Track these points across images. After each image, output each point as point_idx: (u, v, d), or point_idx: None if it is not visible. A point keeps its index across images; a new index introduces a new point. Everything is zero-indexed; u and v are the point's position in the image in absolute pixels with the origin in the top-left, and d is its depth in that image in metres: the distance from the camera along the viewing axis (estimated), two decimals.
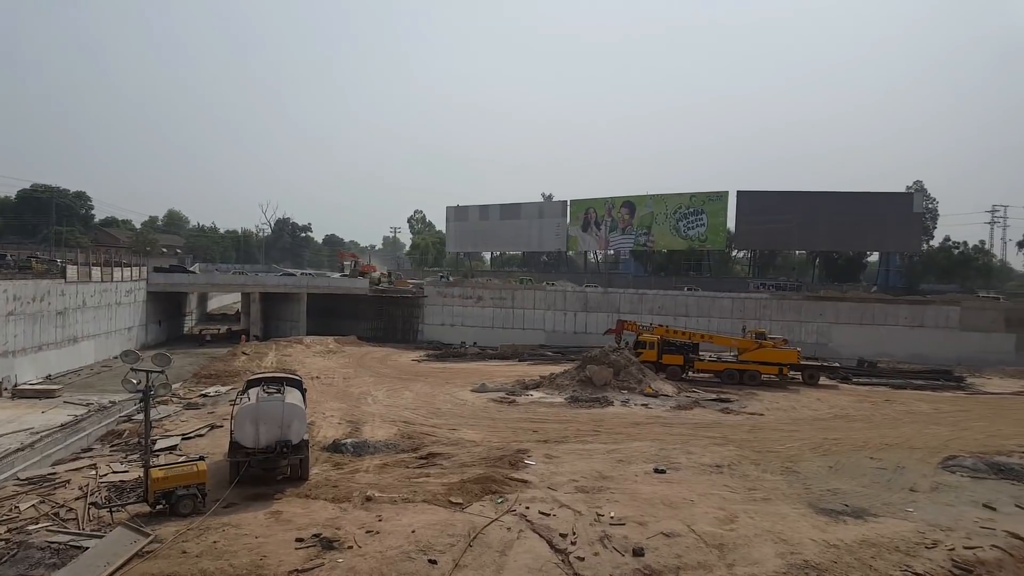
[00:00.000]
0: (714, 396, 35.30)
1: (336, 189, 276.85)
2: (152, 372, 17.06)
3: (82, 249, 56.09)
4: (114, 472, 19.89)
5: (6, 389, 30.86)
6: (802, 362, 41.29)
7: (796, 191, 72.89)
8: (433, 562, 13.65)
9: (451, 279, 71.11)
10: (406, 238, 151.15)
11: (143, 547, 14.14)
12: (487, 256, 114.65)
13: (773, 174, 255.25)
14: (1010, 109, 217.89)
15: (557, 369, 39.82)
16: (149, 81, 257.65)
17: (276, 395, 18.94)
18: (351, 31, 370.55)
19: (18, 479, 19.28)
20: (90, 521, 16.13)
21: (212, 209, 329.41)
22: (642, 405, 32.65)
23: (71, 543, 14.55)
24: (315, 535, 14.85)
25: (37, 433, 23.05)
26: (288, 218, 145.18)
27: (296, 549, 14.24)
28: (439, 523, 15.69)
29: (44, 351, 36.36)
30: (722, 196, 75.26)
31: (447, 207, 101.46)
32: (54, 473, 19.85)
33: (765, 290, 61.33)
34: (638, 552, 14.31)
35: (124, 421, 26.71)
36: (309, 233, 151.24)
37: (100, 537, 14.71)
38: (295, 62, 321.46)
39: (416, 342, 59.20)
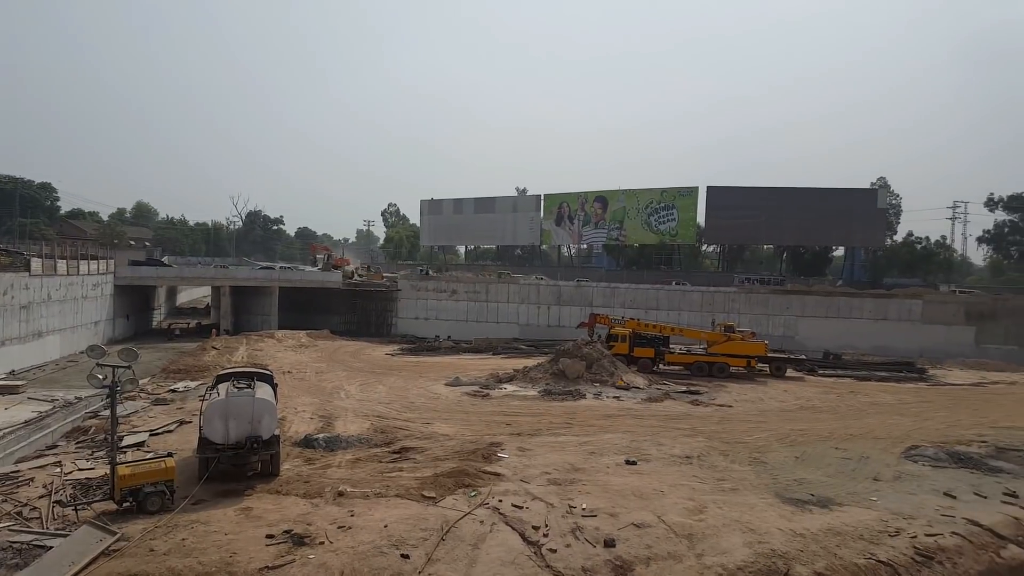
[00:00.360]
0: (684, 388, 35.75)
1: (309, 181, 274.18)
2: (118, 367, 16.79)
3: (47, 242, 54.75)
4: (80, 469, 19.55)
5: None
6: (770, 354, 41.98)
7: (764, 187, 73.93)
8: (406, 557, 13.66)
9: (431, 273, 70.73)
10: (380, 231, 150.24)
11: (109, 546, 13.93)
12: (461, 250, 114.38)
13: (744, 180, 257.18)
14: (959, 106, 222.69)
15: (531, 362, 39.95)
16: (118, 69, 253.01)
17: (246, 390, 18.75)
18: (329, 24, 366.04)
19: None
20: (54, 520, 15.85)
21: (182, 201, 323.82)
22: (614, 398, 32.96)
23: (35, 543, 14.30)
24: (286, 531, 14.76)
25: (0, 430, 22.55)
26: (259, 211, 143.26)
27: (267, 546, 14.14)
28: (412, 517, 15.69)
29: (7, 346, 35.56)
30: (692, 191, 76.18)
31: (421, 200, 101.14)
32: (17, 471, 19.43)
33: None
34: (609, 543, 14.47)
35: (90, 417, 26.19)
36: (281, 226, 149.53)
37: (65, 536, 14.46)
38: (269, 49, 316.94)
39: (390, 336, 58.94)
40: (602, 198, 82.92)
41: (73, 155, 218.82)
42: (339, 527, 15.11)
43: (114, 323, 51.74)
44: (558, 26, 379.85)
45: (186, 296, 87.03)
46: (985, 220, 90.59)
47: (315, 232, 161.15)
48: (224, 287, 58.51)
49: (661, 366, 41.53)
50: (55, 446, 22.92)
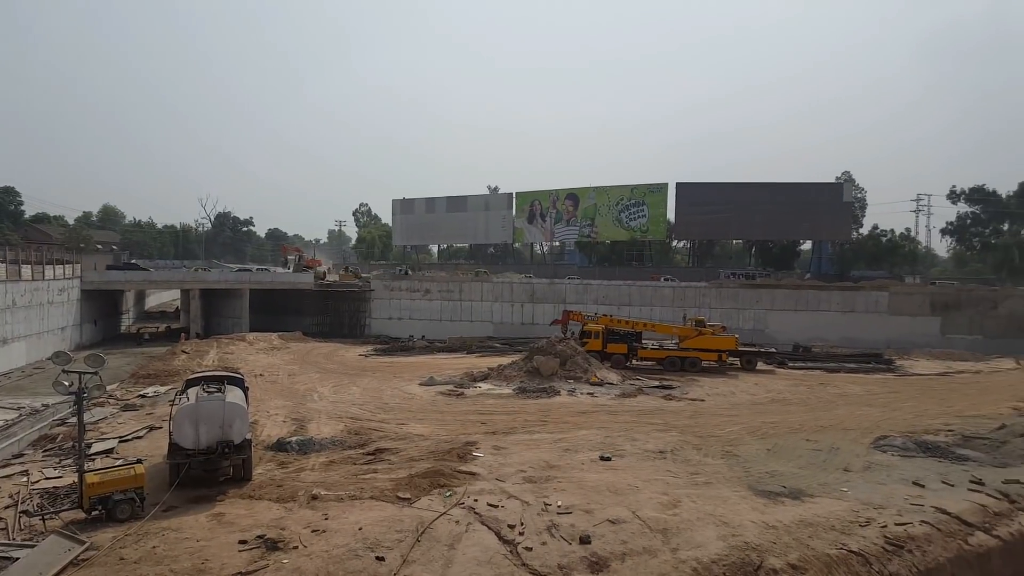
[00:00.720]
0: (657, 383, 36.04)
1: (280, 181, 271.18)
2: (85, 373, 16.45)
3: (11, 247, 53.49)
4: (47, 478, 19.14)
5: None
6: (740, 348, 42.51)
7: (732, 183, 75.24)
8: (381, 559, 13.60)
9: (410, 272, 70.19)
10: (352, 232, 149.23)
11: (78, 555, 13.68)
12: (434, 249, 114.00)
13: (714, 179, 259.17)
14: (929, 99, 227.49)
15: (505, 360, 39.98)
16: (83, 68, 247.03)
17: (216, 394, 18.51)
18: (296, 23, 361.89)
19: None
20: (21, 530, 15.51)
21: (149, 203, 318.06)
22: (588, 394, 33.13)
23: (1, 554, 13.98)
24: (259, 536, 14.61)
25: None
26: (229, 212, 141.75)
27: (240, 551, 13.98)
28: (387, 519, 15.62)
29: None
30: (662, 188, 77.04)
31: (393, 200, 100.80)
32: None
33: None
34: (585, 540, 14.56)
35: (58, 425, 25.69)
36: (251, 227, 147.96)
37: (32, 546, 14.15)
38: (237, 47, 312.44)
39: (363, 337, 58.52)
40: (573, 195, 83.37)
41: (37, 157, 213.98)
42: (313, 531, 14.99)
43: (81, 328, 50.74)
44: (527, 31, 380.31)
45: (155, 300, 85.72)
46: (948, 212, 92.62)
47: (286, 233, 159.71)
48: (194, 290, 57.61)
49: (634, 362, 41.80)
50: (22, 455, 22.39)
